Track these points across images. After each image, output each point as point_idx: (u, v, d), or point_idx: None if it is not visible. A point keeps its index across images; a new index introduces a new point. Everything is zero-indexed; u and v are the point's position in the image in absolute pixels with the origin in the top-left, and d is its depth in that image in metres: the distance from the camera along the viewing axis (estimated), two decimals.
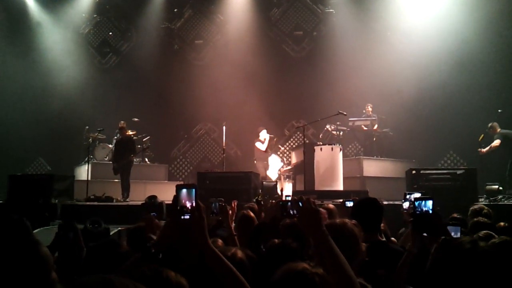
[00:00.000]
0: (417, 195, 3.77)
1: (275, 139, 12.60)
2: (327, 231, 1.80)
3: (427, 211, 2.13)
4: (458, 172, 8.41)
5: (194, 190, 1.78)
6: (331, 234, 1.81)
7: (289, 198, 5.14)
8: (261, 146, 11.78)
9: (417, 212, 2.14)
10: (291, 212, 1.95)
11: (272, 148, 12.57)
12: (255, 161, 11.95)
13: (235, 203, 4.66)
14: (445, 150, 12.89)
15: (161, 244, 1.83)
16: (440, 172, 8.74)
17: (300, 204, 1.88)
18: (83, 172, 11.46)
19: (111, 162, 11.20)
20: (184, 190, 1.77)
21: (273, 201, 4.51)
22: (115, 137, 12.33)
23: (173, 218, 1.79)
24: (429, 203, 2.14)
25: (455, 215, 4.30)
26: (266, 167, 12.02)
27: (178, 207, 1.75)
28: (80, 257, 2.08)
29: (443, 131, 12.15)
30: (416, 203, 2.15)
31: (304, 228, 1.86)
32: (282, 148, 14.85)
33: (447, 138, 12.32)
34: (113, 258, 2.26)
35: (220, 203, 3.66)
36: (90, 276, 1.01)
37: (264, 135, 11.88)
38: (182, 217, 1.74)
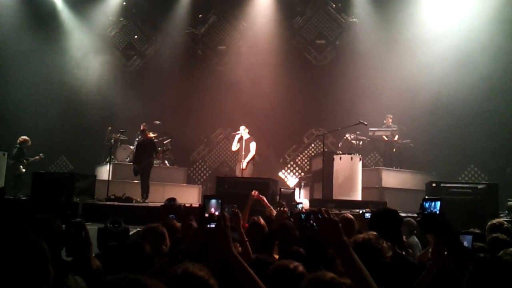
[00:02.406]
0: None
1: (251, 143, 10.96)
2: (352, 243, 1.83)
3: (434, 212, 2.15)
4: (479, 186, 8.30)
5: (220, 200, 1.87)
6: (358, 247, 1.83)
7: (300, 206, 5.19)
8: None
9: (425, 213, 2.15)
10: (312, 224, 2.01)
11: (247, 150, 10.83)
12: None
13: (256, 193, 5.16)
14: (466, 163, 12.71)
15: (187, 250, 1.90)
16: (461, 186, 8.62)
17: (320, 216, 1.92)
18: (104, 172, 11.66)
19: (131, 163, 11.40)
20: (211, 201, 1.87)
21: (281, 208, 4.54)
22: (137, 139, 12.54)
23: (200, 226, 1.87)
24: (438, 204, 2.15)
25: (471, 230, 4.19)
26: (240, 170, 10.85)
27: (206, 216, 1.84)
28: (87, 254, 2.14)
29: (465, 145, 11.99)
30: (426, 204, 2.16)
31: (324, 239, 1.90)
32: (301, 156, 14.85)
33: (468, 152, 12.15)
34: (137, 259, 2.34)
35: (233, 209, 3.71)
36: (122, 275, 1.07)
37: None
38: (208, 225, 1.83)
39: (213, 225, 1.85)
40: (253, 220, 4.03)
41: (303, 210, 4.51)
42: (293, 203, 8.59)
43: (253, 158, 10.91)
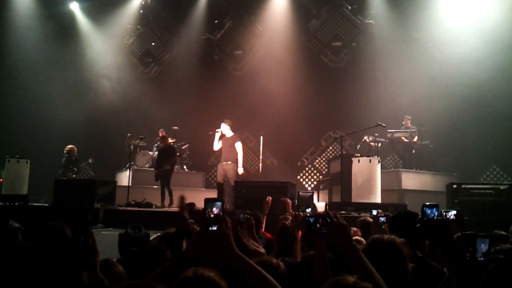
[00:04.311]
0: (454, 212, 3.70)
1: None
2: (375, 247, 1.83)
3: (432, 218, 2.15)
4: (502, 187, 8.16)
5: (221, 203, 1.94)
6: (379, 251, 1.84)
7: (309, 210, 5.15)
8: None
9: (424, 219, 2.16)
10: (319, 227, 2.02)
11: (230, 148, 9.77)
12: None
13: (270, 199, 5.07)
14: (487, 164, 12.49)
15: (190, 252, 1.93)
16: (483, 187, 8.49)
17: (328, 219, 1.93)
18: (124, 178, 11.82)
19: (151, 169, 11.61)
20: (212, 203, 1.92)
21: (295, 212, 4.51)
22: (156, 145, 12.74)
23: (202, 229, 1.91)
24: (435, 210, 2.17)
25: (497, 231, 4.10)
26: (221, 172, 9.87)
27: (207, 219, 1.88)
28: (93, 261, 2.11)
29: (486, 144, 11.79)
30: (428, 211, 2.17)
31: (333, 242, 1.91)
32: (319, 159, 14.79)
33: (490, 152, 11.95)
34: (158, 264, 2.37)
35: (246, 215, 3.71)
36: (133, 281, 1.09)
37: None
38: (210, 228, 1.87)
39: (215, 228, 1.88)
40: (283, 224, 4.00)
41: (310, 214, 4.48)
42: (301, 207, 8.45)
43: (242, 160, 9.84)
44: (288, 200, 5.63)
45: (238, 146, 9.72)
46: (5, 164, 10.87)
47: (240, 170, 9.77)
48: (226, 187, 10.11)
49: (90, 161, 12.97)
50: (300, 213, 4.53)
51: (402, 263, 2.28)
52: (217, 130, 9.86)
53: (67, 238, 2.67)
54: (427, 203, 2.17)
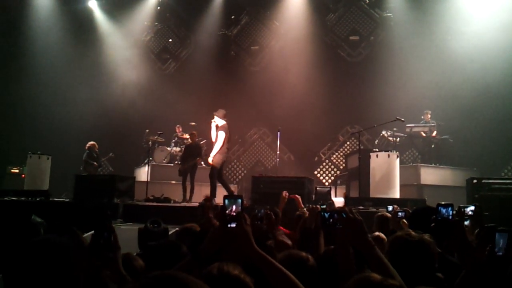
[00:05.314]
0: (472, 208, 3.65)
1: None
2: (403, 247, 1.82)
3: (446, 218, 2.13)
4: None
5: (240, 200, 1.92)
6: (409, 250, 1.83)
7: (323, 207, 5.09)
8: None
9: (438, 219, 2.13)
10: (334, 223, 2.00)
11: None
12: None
13: (287, 194, 5.04)
14: (509, 158, 12.26)
15: (208, 249, 1.93)
16: (504, 181, 8.36)
17: (344, 215, 1.92)
18: (143, 173, 11.93)
19: (169, 165, 11.67)
20: (231, 200, 1.91)
21: (312, 206, 4.48)
22: (173, 140, 12.85)
23: (221, 226, 1.90)
24: (450, 209, 2.14)
25: None
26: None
27: (226, 216, 1.88)
28: (116, 257, 2.12)
29: (507, 138, 11.55)
30: (443, 210, 2.14)
31: (349, 238, 1.90)
32: (336, 154, 14.71)
33: (511, 146, 11.70)
34: (175, 259, 2.38)
35: (266, 210, 3.70)
36: (156, 272, 1.09)
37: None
38: (229, 225, 1.86)
39: (233, 225, 1.86)
40: (303, 220, 3.96)
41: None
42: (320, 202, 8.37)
43: (219, 150, 9.39)
44: (297, 196, 5.55)
45: (220, 135, 9.39)
46: (27, 160, 11.09)
47: (210, 159, 9.49)
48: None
49: (111, 155, 13.19)
50: (317, 206, 4.52)
51: (432, 260, 2.26)
52: (212, 121, 9.69)
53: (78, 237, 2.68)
54: (442, 203, 2.15)
